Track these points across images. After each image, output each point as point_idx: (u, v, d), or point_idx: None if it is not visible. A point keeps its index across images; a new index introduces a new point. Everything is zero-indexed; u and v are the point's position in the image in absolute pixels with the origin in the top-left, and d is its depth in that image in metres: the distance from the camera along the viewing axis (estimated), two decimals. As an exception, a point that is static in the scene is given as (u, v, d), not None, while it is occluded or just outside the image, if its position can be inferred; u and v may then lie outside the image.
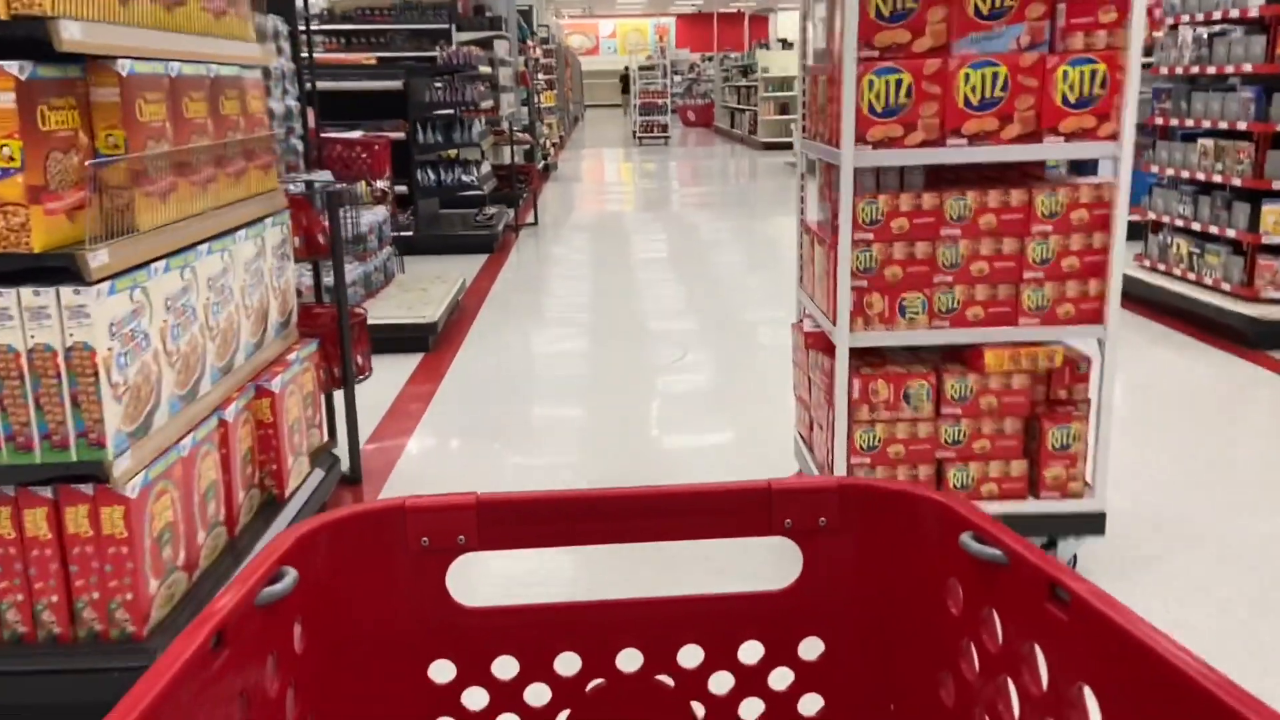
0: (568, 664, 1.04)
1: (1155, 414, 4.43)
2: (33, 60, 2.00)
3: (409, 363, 5.41)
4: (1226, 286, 5.70)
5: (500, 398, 4.86)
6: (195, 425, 2.54)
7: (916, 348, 2.98)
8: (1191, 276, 6.04)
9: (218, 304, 2.70)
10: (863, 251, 2.79)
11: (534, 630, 1.03)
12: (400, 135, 8.28)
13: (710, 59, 29.77)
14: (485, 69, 10.79)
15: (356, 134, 7.58)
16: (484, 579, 2.91)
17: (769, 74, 19.58)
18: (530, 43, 15.57)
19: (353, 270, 5.84)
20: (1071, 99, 2.70)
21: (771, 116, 19.77)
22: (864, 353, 2.92)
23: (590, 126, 30.66)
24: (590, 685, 1.05)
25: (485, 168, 9.92)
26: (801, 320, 3.36)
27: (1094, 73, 2.68)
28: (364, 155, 7.19)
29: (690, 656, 1.05)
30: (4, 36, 1.98)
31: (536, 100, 15.09)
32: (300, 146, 5.29)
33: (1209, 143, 5.86)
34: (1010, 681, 0.88)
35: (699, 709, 1.06)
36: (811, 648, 1.06)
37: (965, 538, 0.92)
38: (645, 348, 5.73)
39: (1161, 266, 6.36)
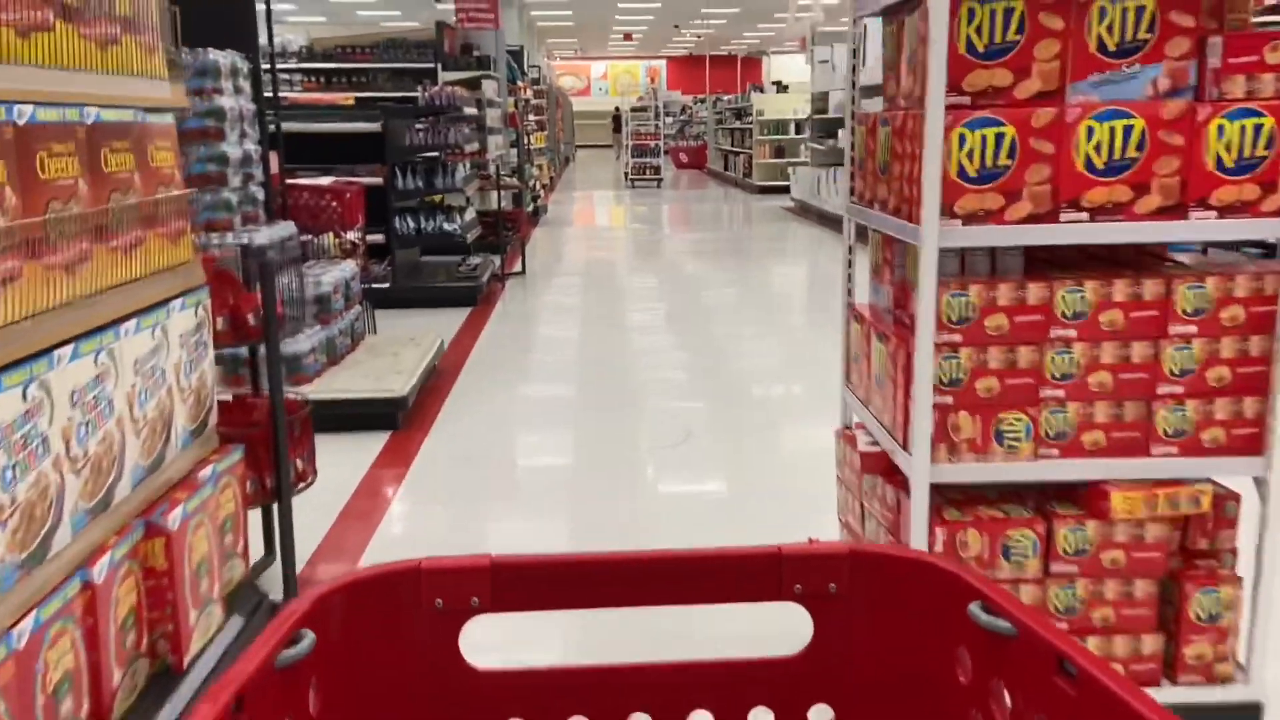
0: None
1: None
2: None
3: (373, 444, 4.69)
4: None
5: (475, 493, 4.15)
6: (44, 597, 1.84)
7: (1017, 484, 2.29)
8: None
9: (85, 425, 2.00)
10: (947, 358, 2.12)
11: (545, 694, 1.05)
12: (378, 180, 7.66)
13: (702, 101, 29.39)
14: (471, 110, 10.18)
15: (327, 180, 6.93)
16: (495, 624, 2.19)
17: (764, 117, 19.16)
18: (521, 84, 15.07)
19: (313, 336, 5.14)
20: (1228, 162, 2.04)
21: (767, 160, 19.35)
22: (946, 487, 2.23)
23: (581, 168, 30.13)
24: None
25: (470, 214, 9.28)
26: (852, 429, 2.68)
27: (1258, 128, 2.03)
28: (334, 204, 6.52)
29: (702, 727, 1.05)
30: None
31: (527, 142, 14.53)
32: (260, 195, 4.65)
33: None
34: None
35: None
36: (821, 715, 1.07)
37: (974, 608, 0.92)
38: (642, 426, 5.04)
39: None
